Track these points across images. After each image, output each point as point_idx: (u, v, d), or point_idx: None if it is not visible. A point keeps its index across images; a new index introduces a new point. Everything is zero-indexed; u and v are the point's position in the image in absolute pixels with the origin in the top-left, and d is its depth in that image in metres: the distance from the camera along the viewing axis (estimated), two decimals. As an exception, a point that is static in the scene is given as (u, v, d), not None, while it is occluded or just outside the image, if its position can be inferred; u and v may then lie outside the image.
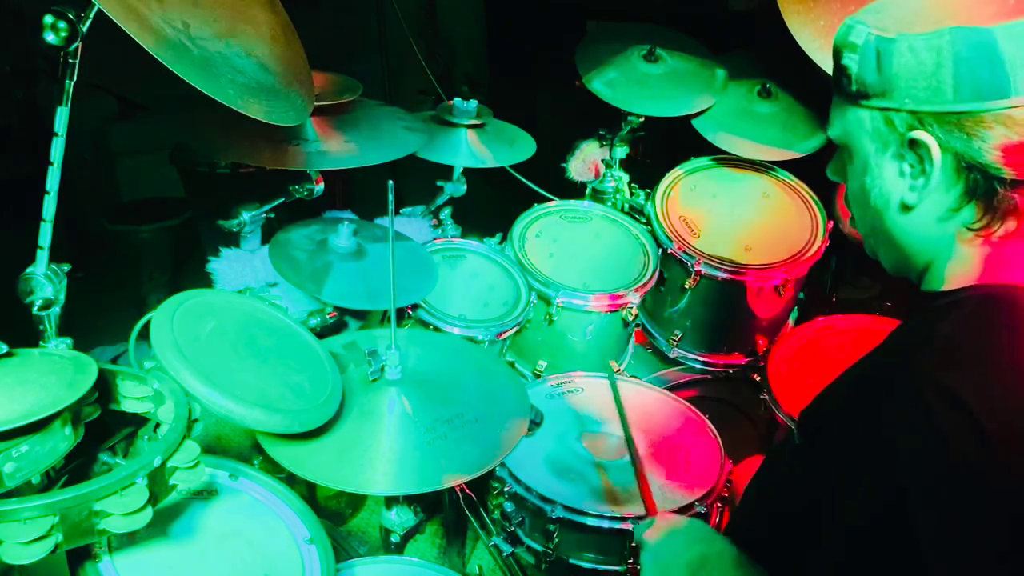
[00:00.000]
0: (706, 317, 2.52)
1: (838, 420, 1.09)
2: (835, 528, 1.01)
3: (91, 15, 1.27)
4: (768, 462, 1.41)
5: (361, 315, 2.16)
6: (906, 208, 1.07)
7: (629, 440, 1.74)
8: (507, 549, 1.85)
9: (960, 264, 1.06)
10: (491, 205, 2.63)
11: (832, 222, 2.51)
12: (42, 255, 1.35)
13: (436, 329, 2.11)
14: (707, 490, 1.82)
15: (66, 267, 1.40)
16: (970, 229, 1.04)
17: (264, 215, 2.08)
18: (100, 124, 3.83)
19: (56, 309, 1.37)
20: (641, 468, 1.67)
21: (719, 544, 1.25)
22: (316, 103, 1.86)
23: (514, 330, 2.23)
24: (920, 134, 1.01)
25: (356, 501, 2.37)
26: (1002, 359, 0.96)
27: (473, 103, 2.40)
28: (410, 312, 2.13)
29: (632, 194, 2.74)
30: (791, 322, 2.67)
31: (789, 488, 1.20)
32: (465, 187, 2.51)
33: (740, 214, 2.61)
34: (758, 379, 2.42)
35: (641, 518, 1.69)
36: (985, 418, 0.90)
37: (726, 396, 2.61)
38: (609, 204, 2.72)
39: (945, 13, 1.00)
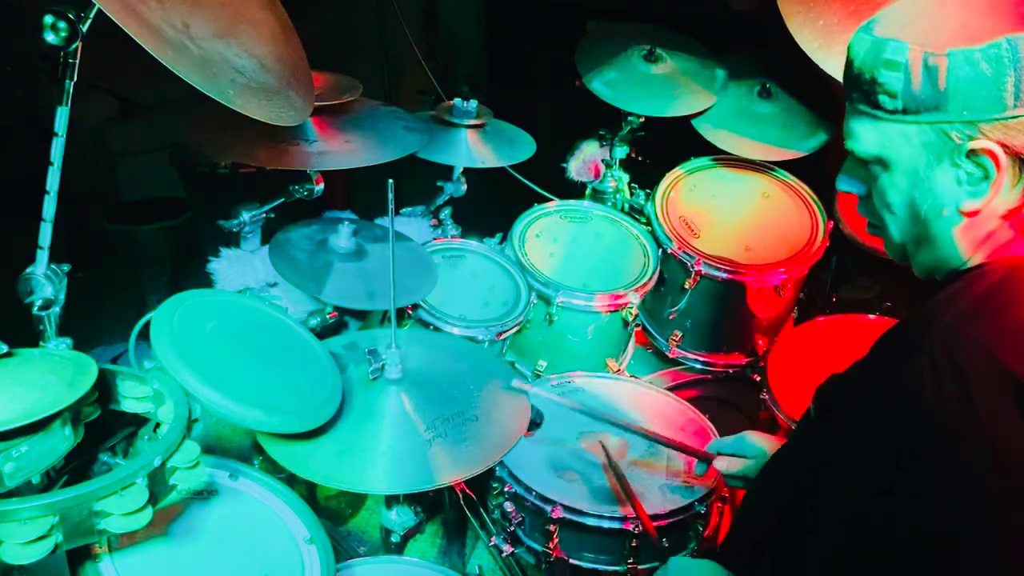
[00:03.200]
0: (706, 317, 2.52)
1: (858, 385, 1.10)
2: (851, 488, 1.02)
3: (91, 15, 1.27)
4: (784, 445, 1.41)
5: (361, 315, 2.16)
6: (968, 214, 1.07)
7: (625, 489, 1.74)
8: (507, 549, 1.85)
9: (991, 245, 1.08)
10: (491, 205, 2.63)
11: (832, 222, 2.51)
12: (42, 255, 1.35)
13: (436, 329, 2.11)
14: (707, 490, 1.82)
15: (66, 267, 1.40)
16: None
17: (264, 215, 2.08)
18: (100, 124, 3.83)
19: (56, 309, 1.37)
20: (641, 509, 1.68)
21: None
22: (316, 103, 1.86)
23: (514, 330, 2.23)
24: (982, 143, 1.01)
25: (356, 501, 2.37)
26: None
27: (473, 103, 2.40)
28: (410, 312, 2.13)
29: (632, 194, 2.74)
30: (791, 322, 2.67)
31: (804, 463, 1.20)
32: (465, 187, 2.51)
33: (740, 214, 2.61)
34: (758, 379, 2.42)
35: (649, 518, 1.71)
36: (1021, 374, 0.90)
37: (726, 396, 2.61)
38: (609, 204, 2.72)
39: (991, 22, 1.00)
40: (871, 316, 2.46)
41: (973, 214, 1.06)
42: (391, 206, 1.46)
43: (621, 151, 2.74)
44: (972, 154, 1.02)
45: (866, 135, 1.13)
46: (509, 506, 1.83)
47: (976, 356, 0.93)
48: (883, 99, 1.07)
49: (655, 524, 1.72)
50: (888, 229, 1.18)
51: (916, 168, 1.08)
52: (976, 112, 1.00)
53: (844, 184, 1.22)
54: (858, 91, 1.11)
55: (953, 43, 1.00)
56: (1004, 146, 1.00)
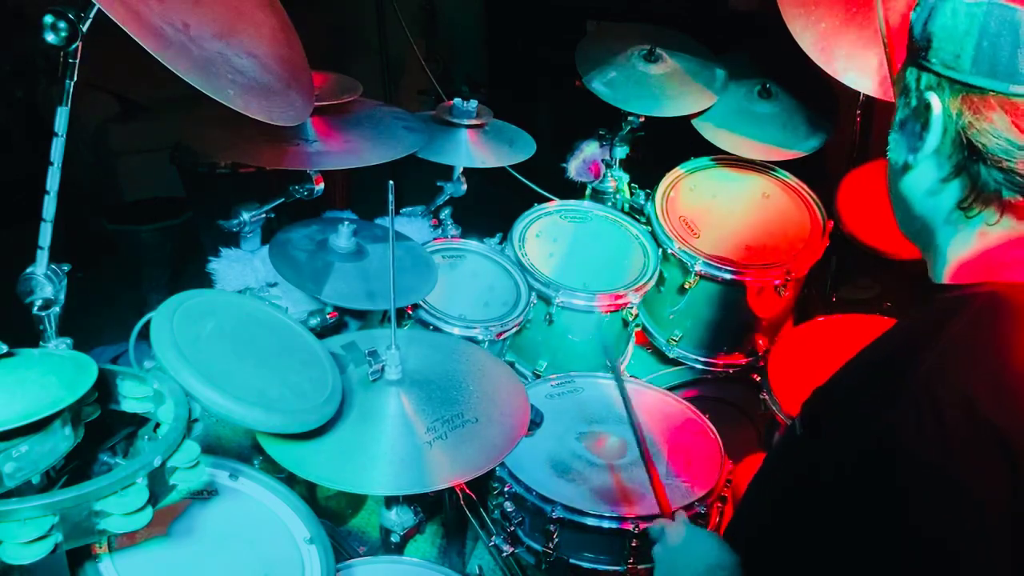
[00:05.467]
0: (706, 317, 2.52)
1: (841, 412, 1.08)
2: (826, 521, 1.00)
3: (91, 15, 1.27)
4: (769, 456, 1.40)
5: (361, 315, 2.16)
6: (906, 168, 1.07)
7: (639, 442, 1.71)
8: (507, 549, 1.85)
9: (962, 256, 1.06)
10: (491, 205, 2.63)
11: (832, 222, 2.51)
12: (42, 255, 1.35)
13: (436, 329, 2.11)
14: (707, 490, 1.82)
15: (66, 267, 1.40)
16: (958, 207, 1.03)
17: (264, 215, 2.08)
18: (100, 124, 3.83)
19: (56, 309, 1.37)
20: (653, 468, 1.65)
21: (729, 563, 1.24)
22: (316, 103, 1.86)
23: (514, 330, 2.23)
24: (932, 96, 1.00)
25: (356, 501, 2.37)
26: (1012, 361, 0.94)
27: (473, 103, 2.40)
28: (410, 312, 2.13)
29: (632, 194, 2.74)
30: (791, 322, 2.67)
31: (788, 479, 1.19)
32: (465, 187, 2.51)
33: (740, 214, 2.61)
34: (758, 379, 2.42)
35: (648, 518, 1.70)
36: (1004, 427, 0.88)
37: (726, 396, 2.61)
38: (609, 204, 2.72)
39: None
40: (871, 316, 2.46)
41: (908, 169, 1.06)
42: (391, 206, 1.46)
43: (621, 151, 2.74)
44: (927, 108, 1.01)
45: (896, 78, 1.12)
46: (509, 506, 1.83)
47: (958, 407, 0.90)
48: (908, 42, 1.06)
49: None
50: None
51: (898, 110, 1.08)
52: (942, 66, 0.99)
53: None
54: None
55: None
56: (947, 110, 0.99)
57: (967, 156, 1.00)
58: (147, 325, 1.33)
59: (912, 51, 1.05)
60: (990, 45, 0.96)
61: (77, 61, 1.31)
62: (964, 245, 1.06)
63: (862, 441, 0.98)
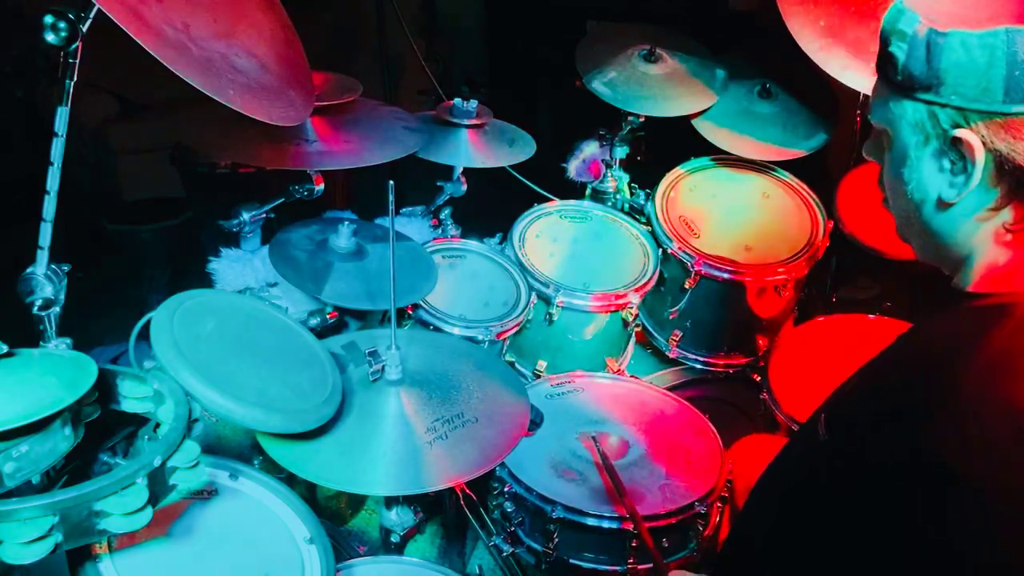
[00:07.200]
0: (706, 317, 2.52)
1: (876, 422, 1.05)
2: (856, 532, 0.99)
3: (91, 15, 1.27)
4: (785, 456, 1.37)
5: (361, 315, 2.16)
6: (943, 204, 1.04)
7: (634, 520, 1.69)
8: (507, 549, 1.85)
9: (995, 264, 1.04)
10: (491, 205, 2.63)
11: (832, 222, 2.51)
12: (42, 255, 1.35)
13: (436, 329, 2.11)
14: (707, 490, 1.82)
15: (66, 267, 1.40)
16: (1008, 230, 1.02)
17: (264, 215, 2.08)
18: (100, 124, 3.83)
19: (56, 309, 1.37)
20: (648, 537, 1.64)
21: None
22: (316, 103, 1.86)
23: (514, 330, 2.23)
24: (964, 132, 0.98)
25: (356, 501, 2.37)
26: None
27: (473, 103, 2.40)
28: (410, 312, 2.13)
29: (632, 194, 2.74)
30: (791, 322, 2.67)
31: (810, 484, 1.16)
32: (465, 187, 2.51)
33: (740, 214, 2.61)
34: (758, 379, 2.42)
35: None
36: None
37: (726, 396, 2.61)
38: (609, 204, 2.72)
39: (1002, 8, 0.96)
40: (871, 316, 2.46)
41: (947, 205, 1.04)
42: (391, 206, 1.46)
43: (621, 151, 2.74)
44: (955, 143, 0.99)
45: (876, 103, 1.10)
46: (509, 506, 1.83)
47: (1005, 424, 0.88)
48: (890, 69, 1.04)
49: (656, 524, 1.73)
50: (888, 203, 1.16)
51: (908, 145, 1.05)
52: (966, 100, 0.97)
53: (865, 149, 1.19)
54: (879, 56, 1.07)
55: (956, 22, 0.96)
56: (985, 142, 0.97)
57: (1016, 181, 0.98)
58: (147, 325, 1.33)
59: (907, 88, 1.02)
60: (1022, 72, 0.93)
61: (77, 61, 1.30)
62: (1002, 256, 1.04)
63: (899, 454, 0.96)
